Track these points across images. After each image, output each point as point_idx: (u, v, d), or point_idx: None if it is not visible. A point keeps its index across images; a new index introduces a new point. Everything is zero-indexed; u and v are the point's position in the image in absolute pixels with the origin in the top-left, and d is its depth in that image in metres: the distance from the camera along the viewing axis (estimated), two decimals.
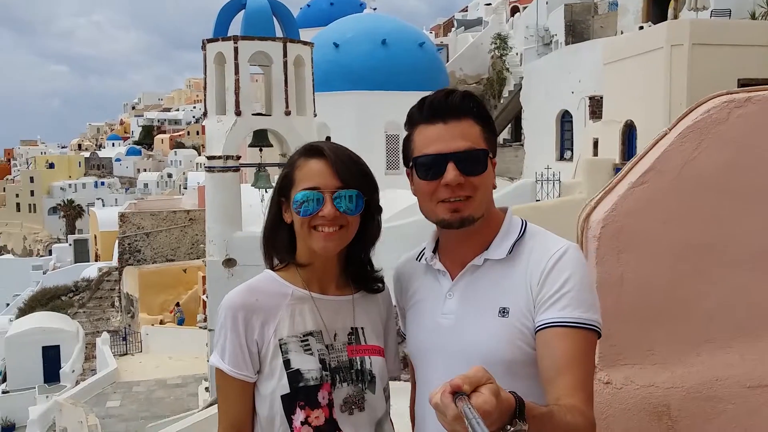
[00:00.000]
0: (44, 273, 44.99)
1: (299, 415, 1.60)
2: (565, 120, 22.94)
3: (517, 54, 30.49)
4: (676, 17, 18.77)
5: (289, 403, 1.60)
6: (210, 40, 16.77)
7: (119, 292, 32.09)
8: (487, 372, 1.14)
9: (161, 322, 26.44)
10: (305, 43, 17.30)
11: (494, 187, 1.63)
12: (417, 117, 1.60)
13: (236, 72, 16.02)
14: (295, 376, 1.60)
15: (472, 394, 1.10)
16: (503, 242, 1.61)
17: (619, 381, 2.18)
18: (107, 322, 31.38)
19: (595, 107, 19.99)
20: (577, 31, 25.92)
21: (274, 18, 17.48)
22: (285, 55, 16.34)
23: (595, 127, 19.83)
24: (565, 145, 22.99)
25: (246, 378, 1.62)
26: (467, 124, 1.56)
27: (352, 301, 1.73)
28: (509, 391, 1.18)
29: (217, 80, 16.39)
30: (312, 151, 1.65)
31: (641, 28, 20.46)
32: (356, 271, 1.75)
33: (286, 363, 1.61)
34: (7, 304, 44.45)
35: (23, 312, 34.23)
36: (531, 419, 1.20)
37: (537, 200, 15.25)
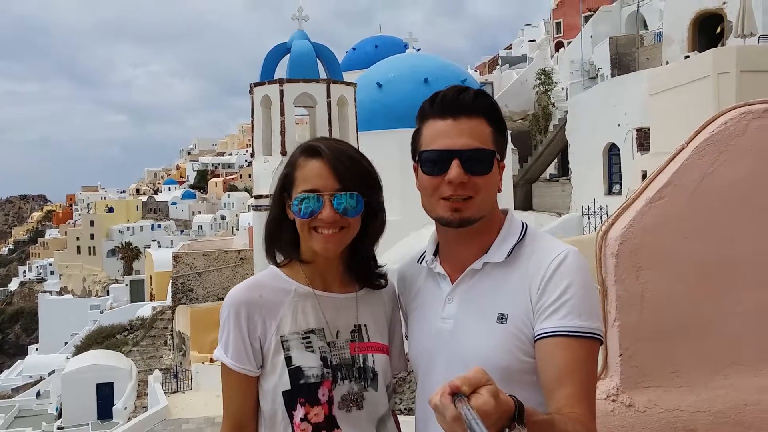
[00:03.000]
0: (101, 312, 46.13)
1: (299, 412, 1.59)
2: (612, 153, 22.61)
3: (562, 89, 30.39)
4: (723, 45, 18.45)
5: (290, 399, 1.60)
6: (257, 84, 17.24)
7: (172, 331, 32.61)
8: (486, 373, 1.13)
9: (211, 360, 26.67)
10: (348, 83, 17.62)
11: (499, 191, 1.59)
12: (428, 110, 1.57)
13: (282, 113, 16.40)
14: (296, 373, 1.60)
15: (471, 395, 1.09)
16: (502, 245, 1.57)
17: (642, 404, 2.10)
18: (160, 360, 31.85)
19: (643, 139, 19.67)
20: (623, 64, 25.71)
21: (318, 60, 17.89)
22: (329, 95, 16.67)
23: (643, 159, 19.47)
24: (613, 179, 22.62)
25: (248, 372, 1.62)
26: (478, 123, 1.53)
27: (355, 299, 1.71)
28: (509, 395, 1.16)
29: (264, 122, 16.80)
30: (311, 150, 1.63)
31: (687, 57, 20.16)
32: (360, 268, 1.74)
33: (288, 360, 1.60)
34: (65, 343, 45.64)
35: (80, 350, 35.03)
36: (530, 425, 1.18)
37: (583, 234, 14.99)
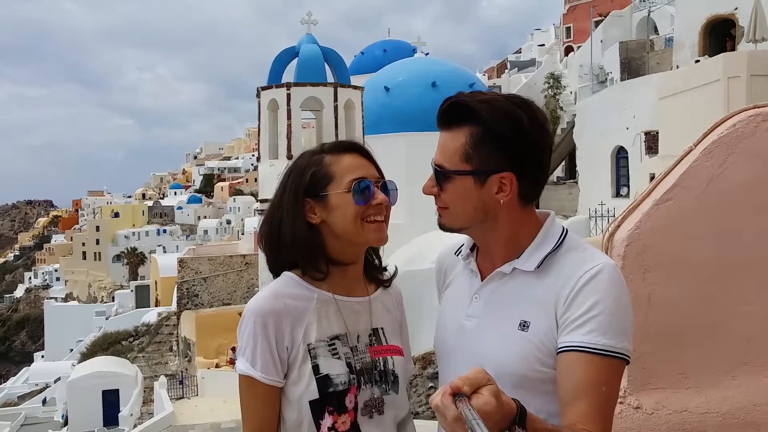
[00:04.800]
0: (107, 318, 46.15)
1: (327, 421, 1.57)
2: (620, 156, 22.57)
3: (571, 93, 30.36)
4: (734, 49, 18.39)
5: (318, 408, 1.58)
6: (264, 88, 17.29)
7: (177, 337, 32.64)
8: (487, 374, 1.12)
9: (217, 366, 26.69)
10: (355, 87, 17.66)
11: (499, 202, 1.49)
12: None
13: (288, 117, 16.44)
14: (324, 381, 1.57)
15: (472, 395, 1.09)
16: (535, 253, 1.52)
17: (649, 406, 2.09)
18: (165, 366, 31.86)
19: (651, 142, 19.61)
20: (632, 68, 25.64)
21: (326, 65, 17.93)
22: (336, 99, 16.71)
23: (651, 162, 19.40)
24: (621, 182, 22.57)
25: (276, 383, 1.58)
26: (452, 136, 1.50)
27: (369, 302, 1.70)
28: (513, 398, 1.15)
29: (270, 126, 16.84)
30: (346, 146, 1.66)
31: (697, 61, 20.12)
32: (371, 267, 1.74)
33: (315, 368, 1.58)
34: (71, 350, 45.73)
35: (85, 357, 35.06)
36: (533, 431, 1.18)
37: (591, 236, 14.96)
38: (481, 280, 1.60)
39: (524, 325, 1.48)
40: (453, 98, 1.51)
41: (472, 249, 1.67)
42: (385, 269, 1.77)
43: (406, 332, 1.82)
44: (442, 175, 1.51)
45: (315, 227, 1.62)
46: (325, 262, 1.63)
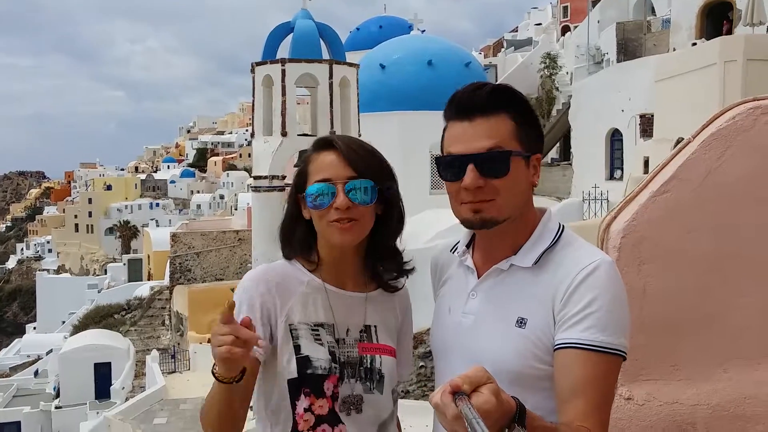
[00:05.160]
0: (99, 292, 46.24)
1: (303, 402, 1.58)
2: (615, 139, 22.55)
3: (567, 73, 30.23)
4: (731, 32, 18.32)
5: (295, 389, 1.58)
6: (259, 63, 17.15)
7: (169, 311, 32.73)
8: (488, 372, 1.12)
9: (209, 341, 26.79)
10: (351, 64, 17.53)
11: (534, 185, 1.54)
12: (447, 112, 1.54)
13: (283, 93, 16.33)
14: (304, 362, 1.58)
15: (472, 393, 1.08)
16: (533, 249, 1.52)
17: (641, 397, 2.10)
18: (157, 340, 31.99)
19: (646, 125, 19.59)
20: (629, 50, 25.50)
21: (322, 41, 17.78)
22: (331, 76, 16.59)
23: (645, 145, 19.42)
24: (615, 164, 22.58)
25: (259, 355, 1.56)
26: (497, 121, 1.47)
27: (365, 298, 1.69)
28: (512, 396, 1.16)
29: (265, 102, 16.73)
30: (323, 143, 1.64)
31: (694, 44, 20.04)
32: (378, 267, 1.71)
33: (296, 348, 1.59)
34: (63, 322, 45.81)
35: (77, 329, 35.19)
36: (533, 429, 1.18)
37: (584, 219, 15.00)
38: (478, 277, 1.59)
39: (521, 322, 1.47)
40: (492, 85, 1.51)
41: (468, 246, 1.65)
42: (398, 276, 1.75)
43: (408, 339, 1.81)
44: (500, 159, 1.46)
45: (307, 221, 1.65)
46: (317, 253, 1.67)
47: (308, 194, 1.59)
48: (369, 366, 1.64)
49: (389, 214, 1.67)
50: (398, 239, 1.71)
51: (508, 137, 1.47)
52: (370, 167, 1.60)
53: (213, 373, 1.43)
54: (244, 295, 1.62)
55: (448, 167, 1.50)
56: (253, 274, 1.66)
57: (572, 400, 1.38)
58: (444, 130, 1.56)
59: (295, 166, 16.51)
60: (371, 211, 1.61)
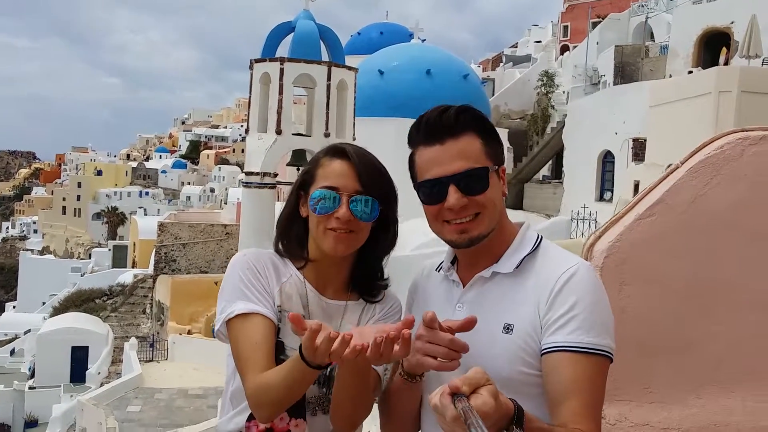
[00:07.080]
0: (82, 275, 45.97)
1: None
2: (607, 160, 22.66)
3: (563, 92, 30.39)
4: (727, 63, 18.49)
5: None
6: (257, 60, 17.13)
7: (151, 300, 32.54)
8: (486, 374, 1.13)
9: (189, 333, 26.66)
10: (350, 68, 17.54)
11: (504, 195, 1.59)
12: (415, 137, 1.56)
13: (280, 92, 16.32)
14: (280, 347, 1.59)
15: (471, 395, 1.10)
16: (513, 256, 1.56)
17: (612, 417, 2.11)
18: (137, 328, 31.80)
19: (639, 149, 19.70)
20: (626, 73, 25.70)
21: (322, 43, 17.79)
22: (329, 78, 16.60)
23: (637, 169, 19.53)
24: (605, 186, 22.68)
25: (272, 318, 1.59)
26: (466, 141, 1.52)
27: (344, 307, 1.71)
28: (509, 398, 1.17)
29: (262, 99, 16.71)
30: (337, 151, 1.65)
31: (690, 72, 20.21)
32: (363, 279, 1.73)
33: (277, 331, 1.60)
34: (43, 303, 45.46)
35: (57, 311, 34.91)
36: (530, 431, 1.19)
37: (571, 239, 15.06)
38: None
39: (508, 328, 1.50)
40: (455, 108, 1.55)
41: (452, 263, 1.68)
42: (382, 280, 1.76)
43: None
44: (479, 177, 1.51)
45: (304, 219, 1.67)
46: (307, 252, 1.70)
47: (312, 197, 1.61)
48: (328, 374, 1.64)
49: (384, 232, 1.69)
50: (386, 258, 1.74)
51: (479, 155, 1.52)
52: (378, 185, 1.62)
53: (305, 359, 1.37)
54: (244, 271, 1.62)
55: (429, 191, 1.53)
56: (249, 250, 1.69)
57: (564, 402, 1.40)
58: (412, 156, 1.59)
59: (295, 166, 16.49)
60: (367, 228, 1.64)
